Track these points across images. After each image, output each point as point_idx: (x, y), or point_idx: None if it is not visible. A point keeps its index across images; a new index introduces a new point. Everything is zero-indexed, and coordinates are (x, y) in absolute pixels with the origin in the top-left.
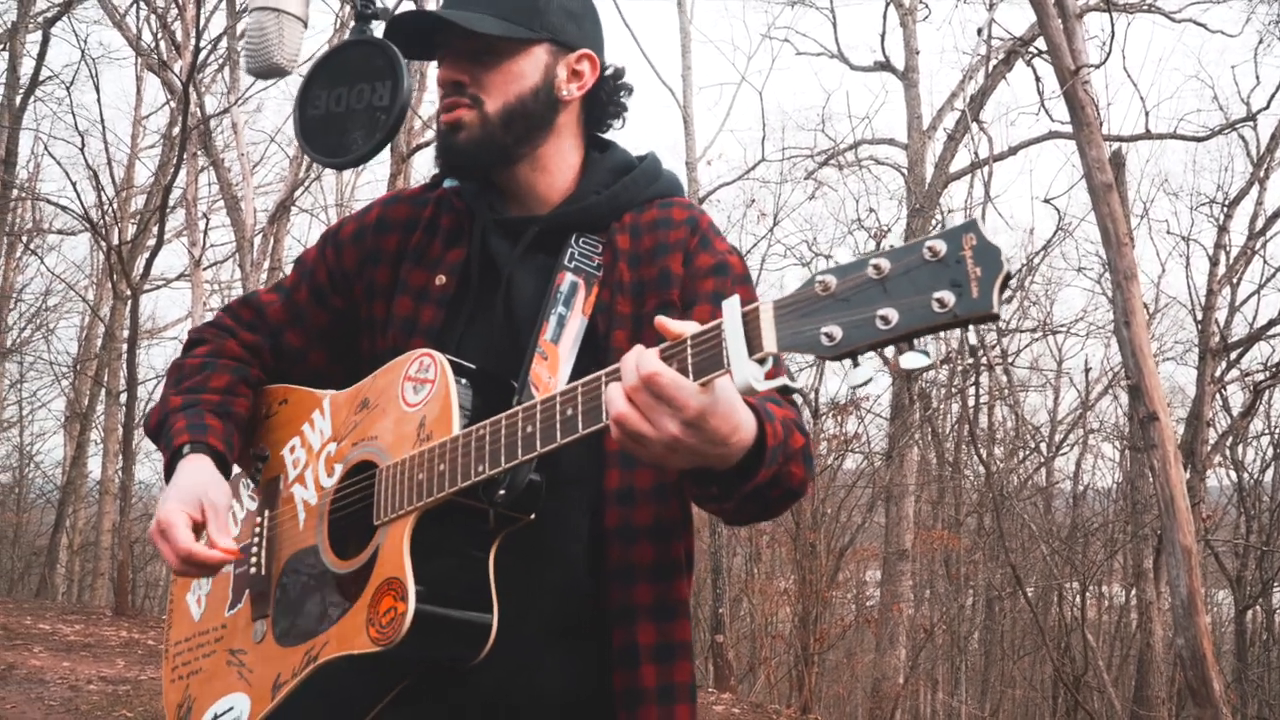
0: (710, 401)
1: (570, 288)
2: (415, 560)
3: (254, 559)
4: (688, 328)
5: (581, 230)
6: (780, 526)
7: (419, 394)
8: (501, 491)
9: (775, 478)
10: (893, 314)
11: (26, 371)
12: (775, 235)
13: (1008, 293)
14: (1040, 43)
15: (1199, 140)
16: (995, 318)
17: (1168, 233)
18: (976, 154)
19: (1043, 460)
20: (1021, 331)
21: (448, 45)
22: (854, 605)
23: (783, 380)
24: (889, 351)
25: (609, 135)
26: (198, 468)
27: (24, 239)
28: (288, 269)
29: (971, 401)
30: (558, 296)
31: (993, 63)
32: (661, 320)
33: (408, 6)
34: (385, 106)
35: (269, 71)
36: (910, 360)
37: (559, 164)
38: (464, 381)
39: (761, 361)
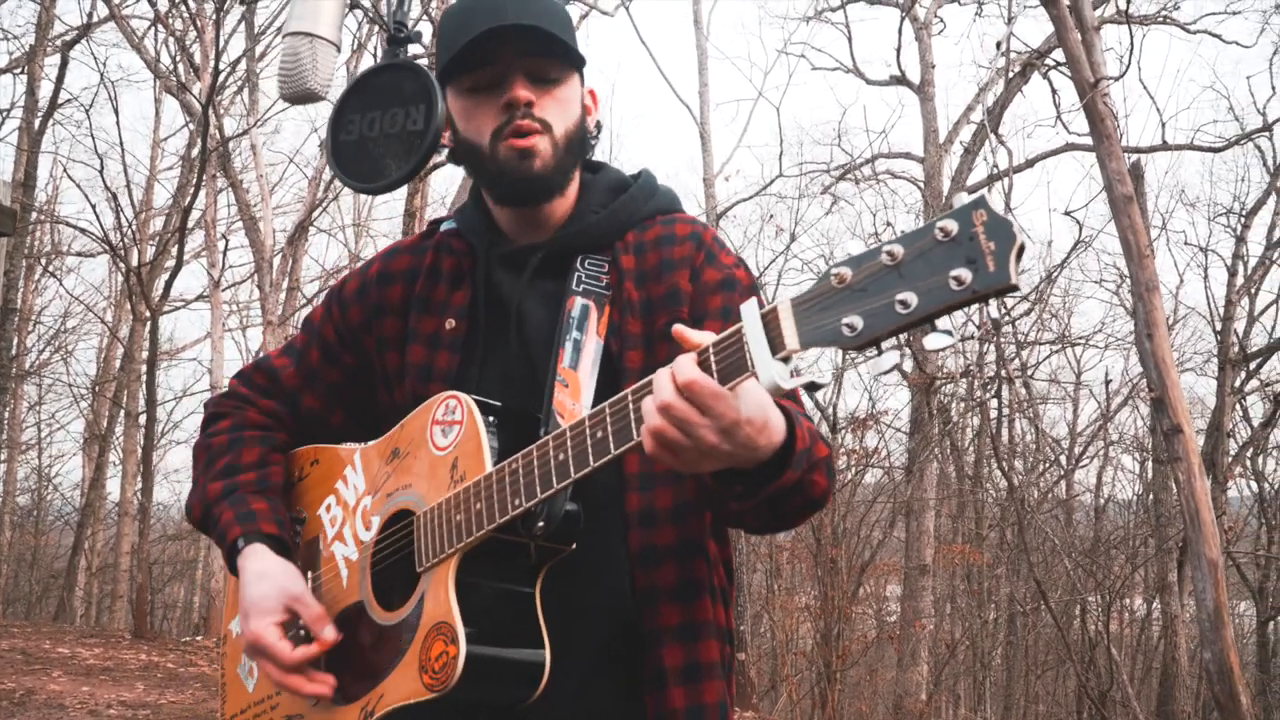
0: (740, 406)
1: (582, 311)
2: (462, 602)
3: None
4: (706, 337)
5: (585, 251)
6: (800, 542)
7: (448, 436)
8: (540, 524)
9: (799, 483)
10: (911, 297)
11: (45, 393)
12: (793, 250)
13: (1024, 264)
14: (1058, 54)
15: (1215, 151)
16: (1015, 289)
17: (1185, 244)
18: (995, 166)
19: (1063, 473)
20: (1040, 344)
21: (517, 60)
22: (875, 621)
23: (810, 376)
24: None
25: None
26: (262, 565)
27: (43, 261)
28: (306, 289)
29: (993, 415)
30: (570, 322)
31: (1009, 76)
32: (680, 329)
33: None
34: (420, 131)
35: (303, 97)
36: (934, 341)
37: (572, 190)
38: (491, 419)
39: (786, 360)
